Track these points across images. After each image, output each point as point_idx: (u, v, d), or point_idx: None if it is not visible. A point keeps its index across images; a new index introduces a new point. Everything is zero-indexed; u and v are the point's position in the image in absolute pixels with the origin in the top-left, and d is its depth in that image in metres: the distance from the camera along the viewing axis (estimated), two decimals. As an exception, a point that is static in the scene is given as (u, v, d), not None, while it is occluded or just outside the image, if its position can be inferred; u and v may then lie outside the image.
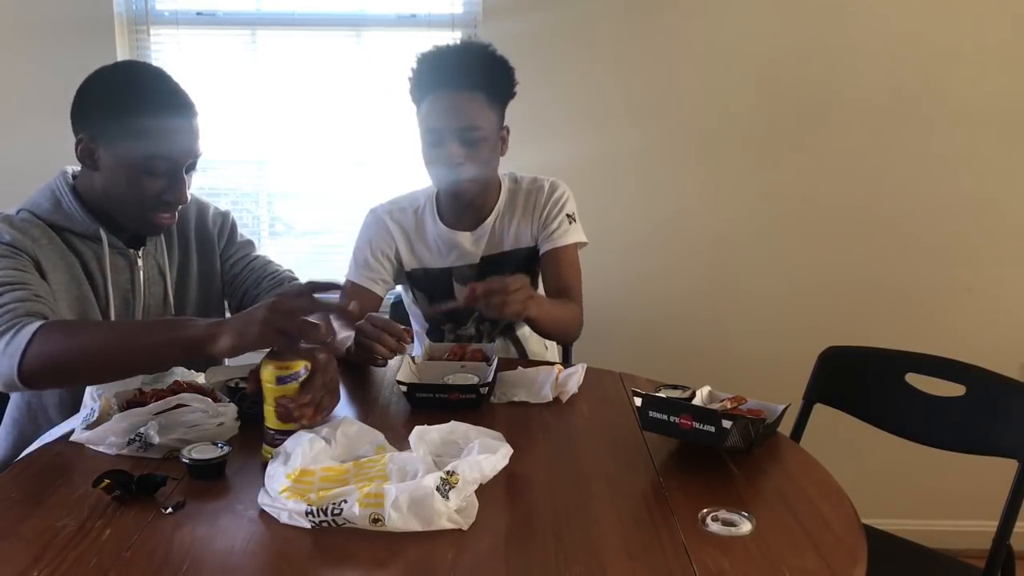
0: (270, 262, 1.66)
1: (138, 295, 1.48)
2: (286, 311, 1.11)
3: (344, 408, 1.42)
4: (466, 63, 1.66)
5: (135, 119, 1.35)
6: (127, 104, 1.36)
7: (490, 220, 1.80)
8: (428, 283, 1.81)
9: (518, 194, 1.83)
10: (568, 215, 1.80)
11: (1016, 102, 2.34)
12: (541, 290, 1.88)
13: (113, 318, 1.44)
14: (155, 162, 1.37)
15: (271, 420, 1.16)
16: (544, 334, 1.76)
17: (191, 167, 1.43)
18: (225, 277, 1.62)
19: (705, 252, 2.45)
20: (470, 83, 1.64)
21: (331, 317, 1.23)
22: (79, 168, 1.45)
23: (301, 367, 1.15)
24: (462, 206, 1.78)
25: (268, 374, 1.14)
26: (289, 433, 1.14)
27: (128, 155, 1.36)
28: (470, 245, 1.80)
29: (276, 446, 1.13)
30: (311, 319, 1.12)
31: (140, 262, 1.48)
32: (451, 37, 2.41)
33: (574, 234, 1.80)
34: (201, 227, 1.60)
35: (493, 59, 1.68)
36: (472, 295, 1.46)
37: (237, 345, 1.13)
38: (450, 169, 1.66)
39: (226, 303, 1.64)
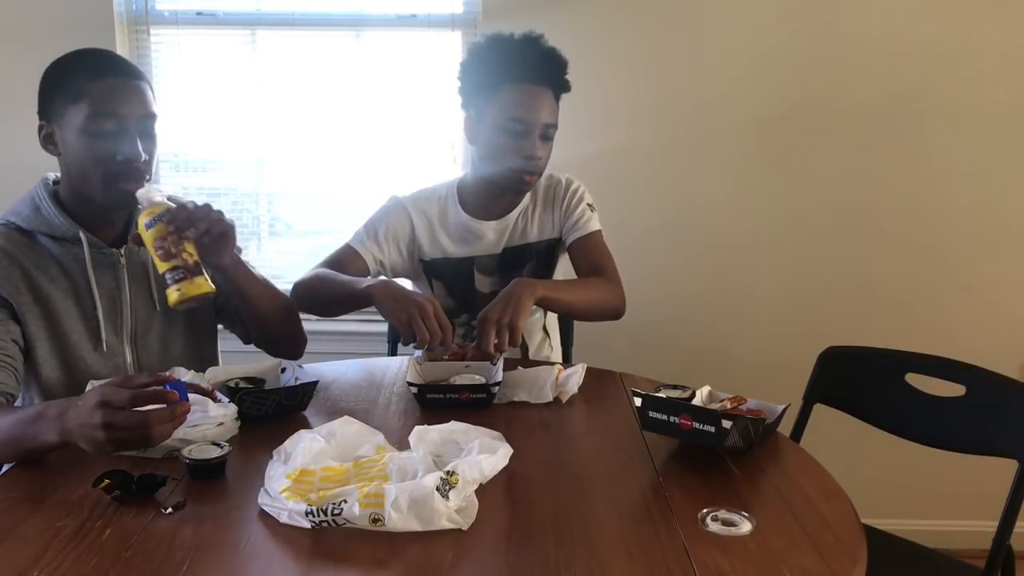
0: (252, 269, 1.65)
1: (123, 294, 1.48)
2: (117, 418, 1.08)
3: (344, 408, 1.42)
4: (550, 62, 1.71)
5: (76, 84, 1.37)
6: (69, 76, 1.39)
7: (514, 213, 1.82)
8: (449, 272, 1.82)
9: (538, 189, 1.85)
10: (588, 204, 1.83)
11: (1016, 102, 2.34)
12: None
13: (101, 318, 1.45)
14: (101, 121, 1.37)
15: (159, 266, 1.27)
16: (578, 315, 1.80)
17: (145, 129, 1.42)
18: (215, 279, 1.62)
19: (705, 252, 2.46)
20: (550, 82, 1.70)
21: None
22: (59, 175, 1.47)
23: (162, 209, 1.29)
24: (492, 199, 1.79)
25: (141, 226, 1.28)
26: (180, 271, 1.25)
27: (76, 121, 1.37)
28: (492, 235, 1.81)
29: (171, 286, 1.25)
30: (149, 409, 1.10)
31: (123, 260, 1.48)
32: (451, 37, 2.42)
33: (596, 222, 1.83)
34: None
35: (566, 68, 1.73)
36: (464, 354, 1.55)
37: (92, 451, 1.11)
38: (527, 162, 1.69)
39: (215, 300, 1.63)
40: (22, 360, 1.40)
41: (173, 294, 1.26)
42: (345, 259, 1.77)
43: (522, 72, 1.68)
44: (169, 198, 1.36)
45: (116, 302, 1.48)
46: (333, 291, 1.65)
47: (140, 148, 1.39)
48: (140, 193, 1.31)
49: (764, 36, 2.34)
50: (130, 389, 1.09)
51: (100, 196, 1.41)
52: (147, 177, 1.43)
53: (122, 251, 1.48)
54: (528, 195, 1.84)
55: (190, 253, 1.28)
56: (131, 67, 1.43)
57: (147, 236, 1.28)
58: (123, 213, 1.50)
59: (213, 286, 1.30)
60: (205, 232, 1.32)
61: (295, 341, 1.63)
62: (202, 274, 1.29)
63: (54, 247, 1.44)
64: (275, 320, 1.56)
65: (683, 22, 2.34)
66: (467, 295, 1.82)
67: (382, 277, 1.68)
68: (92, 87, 1.37)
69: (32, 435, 1.15)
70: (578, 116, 2.36)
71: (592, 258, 1.79)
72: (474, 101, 1.73)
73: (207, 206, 1.35)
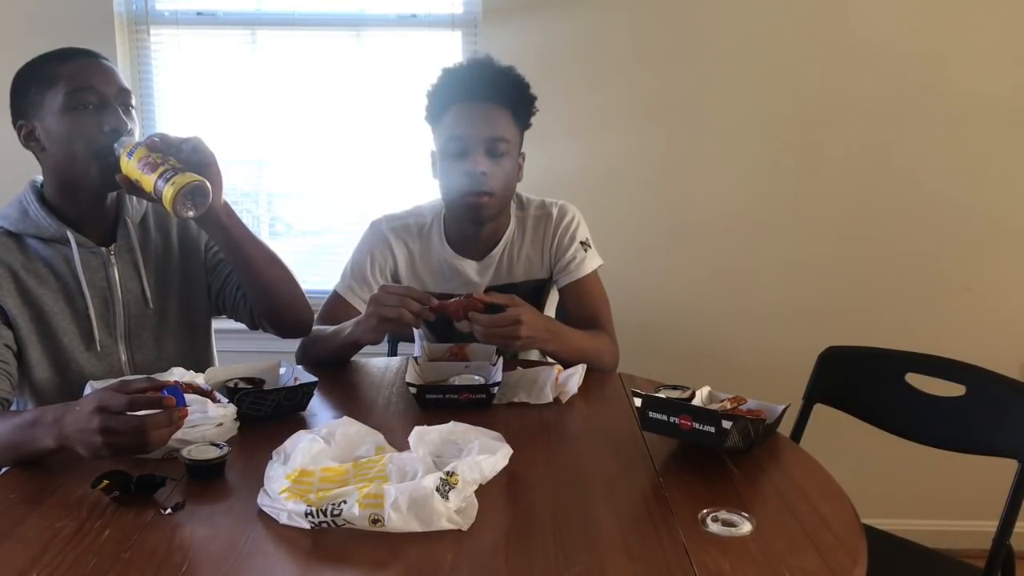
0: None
1: (115, 293, 1.48)
2: (114, 422, 1.08)
3: (344, 408, 1.42)
4: (496, 78, 1.65)
5: (48, 71, 1.39)
6: (40, 67, 1.40)
7: (498, 250, 1.74)
8: None
9: (526, 221, 1.76)
10: (582, 243, 1.74)
11: (1016, 102, 2.33)
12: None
13: (93, 318, 1.45)
14: (80, 95, 1.37)
15: (148, 182, 1.29)
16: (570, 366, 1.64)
17: (125, 104, 1.42)
18: (208, 265, 1.61)
19: (705, 253, 2.45)
20: (499, 97, 1.63)
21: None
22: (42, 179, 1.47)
23: (135, 140, 1.35)
24: (471, 231, 1.71)
25: (123, 162, 1.32)
26: (168, 172, 1.28)
27: (55, 104, 1.37)
28: (475, 275, 1.74)
29: (164, 187, 1.27)
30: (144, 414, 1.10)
31: (113, 259, 1.48)
32: (451, 37, 2.42)
33: (591, 261, 1.74)
34: (184, 227, 1.59)
35: (520, 81, 1.67)
36: (463, 312, 1.46)
37: (89, 455, 1.11)
38: (473, 180, 1.60)
39: (210, 292, 1.62)
40: (16, 365, 1.40)
41: (168, 191, 1.27)
42: (338, 311, 1.70)
43: (463, 92, 1.62)
44: None
45: (108, 301, 1.48)
46: (330, 349, 1.61)
47: (123, 119, 1.39)
48: (117, 143, 1.36)
49: (762, 37, 2.33)
50: (127, 394, 1.09)
51: (92, 176, 1.40)
52: None
53: (111, 249, 1.48)
54: (515, 228, 1.76)
55: (176, 161, 1.33)
56: (97, 52, 1.44)
57: (131, 165, 1.32)
58: (111, 208, 1.49)
59: (202, 178, 1.31)
60: (183, 141, 1.36)
61: (301, 311, 1.56)
62: (192, 172, 1.31)
63: (43, 249, 1.44)
64: (277, 282, 1.51)
65: (683, 23, 2.34)
66: (445, 334, 1.75)
67: (354, 318, 1.59)
68: (64, 69, 1.38)
69: (29, 440, 1.15)
70: (579, 117, 2.37)
71: (586, 307, 1.72)
72: (433, 136, 1.69)
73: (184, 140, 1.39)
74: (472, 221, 1.69)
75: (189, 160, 1.35)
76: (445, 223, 1.76)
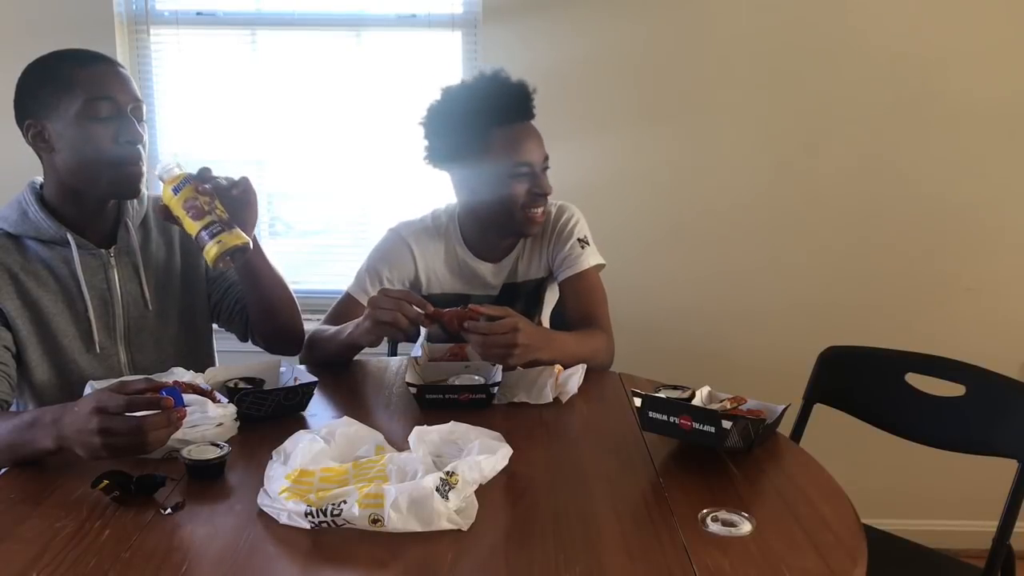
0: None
1: (114, 295, 1.48)
2: (113, 423, 1.07)
3: (344, 408, 1.42)
4: (524, 90, 1.66)
5: (65, 74, 1.37)
6: (56, 68, 1.39)
7: (515, 252, 1.77)
8: (444, 307, 1.66)
9: None
10: (579, 239, 1.74)
11: (1016, 102, 2.33)
12: (545, 317, 1.86)
13: (93, 319, 1.45)
14: (98, 105, 1.37)
15: (192, 227, 1.29)
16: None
17: (137, 113, 1.42)
18: (210, 275, 1.62)
19: (706, 253, 2.45)
20: (531, 112, 1.67)
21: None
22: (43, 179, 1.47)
23: (184, 174, 1.33)
24: (496, 240, 1.74)
25: (167, 194, 1.31)
26: (216, 225, 1.27)
27: (71, 109, 1.36)
28: (491, 277, 1.76)
29: (209, 241, 1.27)
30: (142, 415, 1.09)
31: (113, 260, 1.48)
32: (451, 37, 2.42)
33: (590, 257, 1.74)
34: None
35: (534, 92, 1.70)
36: (458, 322, 1.45)
37: (88, 456, 1.11)
38: (540, 200, 1.64)
39: (209, 299, 1.63)
40: (15, 366, 1.40)
41: (212, 248, 1.27)
42: (349, 312, 1.68)
43: (506, 113, 1.63)
44: None
45: (108, 303, 1.48)
46: (331, 349, 1.60)
47: (138, 130, 1.39)
48: (160, 167, 1.35)
49: (764, 40, 2.33)
50: (126, 395, 1.09)
51: (102, 185, 1.40)
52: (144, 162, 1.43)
53: (111, 251, 1.48)
54: None
55: (222, 210, 1.32)
56: (112, 58, 1.44)
57: (175, 201, 1.31)
58: (112, 210, 1.49)
59: (248, 238, 1.32)
60: (233, 185, 1.37)
61: (296, 334, 1.60)
62: (236, 227, 1.31)
63: (43, 251, 1.44)
64: (282, 307, 1.55)
65: (684, 24, 2.33)
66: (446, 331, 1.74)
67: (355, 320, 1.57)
68: (82, 74, 1.37)
69: (28, 441, 1.15)
70: (579, 118, 2.37)
71: (583, 303, 1.72)
72: (460, 157, 1.65)
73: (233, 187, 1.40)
74: (527, 235, 1.73)
75: (233, 203, 1.35)
76: (461, 226, 1.75)
